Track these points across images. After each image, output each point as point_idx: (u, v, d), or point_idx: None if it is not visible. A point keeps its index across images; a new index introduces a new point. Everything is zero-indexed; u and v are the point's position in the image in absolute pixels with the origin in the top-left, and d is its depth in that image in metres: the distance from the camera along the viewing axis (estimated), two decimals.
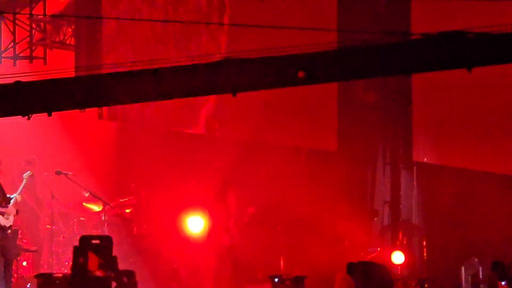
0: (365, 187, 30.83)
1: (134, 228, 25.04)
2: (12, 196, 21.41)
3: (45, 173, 23.32)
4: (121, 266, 23.84)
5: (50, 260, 22.91)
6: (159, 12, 26.34)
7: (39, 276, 19.74)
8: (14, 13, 24.82)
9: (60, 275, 19.86)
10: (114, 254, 23.89)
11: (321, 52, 14.87)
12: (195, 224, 24.87)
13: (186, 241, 24.89)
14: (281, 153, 29.90)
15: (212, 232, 25.09)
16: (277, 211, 27.91)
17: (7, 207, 21.06)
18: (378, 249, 28.46)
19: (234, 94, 10.22)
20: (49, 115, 14.96)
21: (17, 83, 13.83)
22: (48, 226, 23.59)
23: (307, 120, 30.17)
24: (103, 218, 23.62)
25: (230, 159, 27.72)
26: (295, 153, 30.66)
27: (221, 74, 11.57)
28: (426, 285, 26.43)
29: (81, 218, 24.06)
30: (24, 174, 22.29)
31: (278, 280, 23.04)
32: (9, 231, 21.15)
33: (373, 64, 11.00)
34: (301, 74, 13.73)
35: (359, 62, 10.81)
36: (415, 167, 33.29)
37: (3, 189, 21.44)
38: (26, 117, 14.37)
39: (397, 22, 30.10)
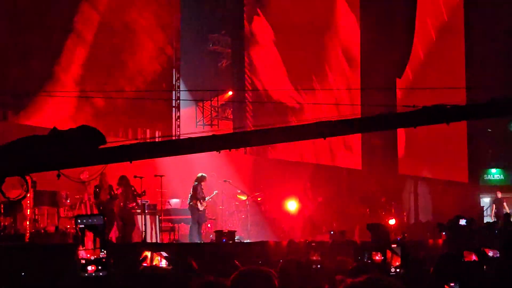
0: (376, 184, 30.73)
1: (262, 207, 24.94)
2: (207, 198, 21.64)
3: (219, 181, 23.26)
4: (255, 228, 24.00)
5: (221, 223, 22.84)
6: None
7: (216, 231, 19.69)
8: (203, 101, 24.80)
9: (226, 230, 19.75)
10: (252, 223, 24.44)
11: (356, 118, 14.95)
12: (292, 205, 24.85)
13: (287, 214, 24.86)
14: (332, 171, 29.99)
15: (300, 209, 25.12)
16: (329, 199, 27.94)
17: (204, 200, 21.19)
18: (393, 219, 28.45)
19: (324, 138, 10.09)
20: (229, 149, 15.05)
21: (213, 136, 13.73)
22: (220, 207, 23.51)
23: (345, 153, 30.30)
24: (247, 203, 23.51)
25: (308, 174, 27.86)
26: (339, 171, 30.73)
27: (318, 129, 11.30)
28: (406, 235, 26.24)
29: (236, 203, 23.91)
30: (214, 192, 22.61)
31: (332, 233, 22.96)
32: (202, 211, 21.29)
33: (394, 123, 10.78)
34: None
35: (385, 123, 10.59)
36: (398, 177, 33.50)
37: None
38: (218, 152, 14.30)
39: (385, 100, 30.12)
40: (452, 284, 6.26)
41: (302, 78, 28.62)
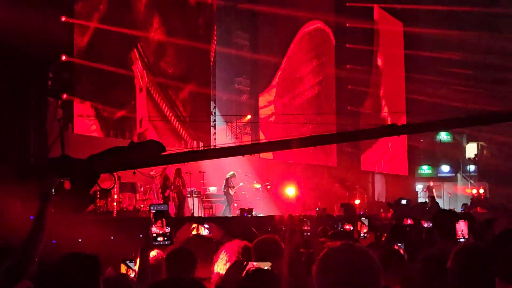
0: (347, 176, 30.41)
1: (271, 192, 24.71)
2: (235, 187, 21.72)
3: (242, 174, 23.14)
4: (266, 206, 23.62)
5: (243, 203, 22.31)
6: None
7: (240, 209, 19.40)
8: (231, 122, 24.69)
9: (247, 208, 19.46)
10: (264, 202, 24.19)
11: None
12: (291, 190, 24.44)
13: (287, 196, 24.56)
14: (317, 168, 29.65)
15: (296, 193, 24.72)
16: (315, 187, 27.55)
17: (234, 188, 21.22)
18: (358, 200, 28.23)
19: (314, 146, 9.99)
20: (249, 154, 14.72)
21: (239, 145, 13.53)
22: (243, 192, 23.27)
23: (325, 156, 29.94)
24: (260, 189, 23.45)
25: (301, 170, 27.53)
26: (322, 168, 30.38)
27: (310, 141, 11.14)
28: (366, 210, 26.02)
29: (253, 190, 23.75)
30: (241, 183, 22.74)
31: (317, 209, 22.80)
32: (232, 195, 21.30)
33: (363, 135, 10.63)
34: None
35: (358, 137, 10.48)
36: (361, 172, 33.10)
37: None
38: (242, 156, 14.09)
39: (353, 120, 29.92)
40: (399, 244, 6.20)
41: (298, 107, 28.58)
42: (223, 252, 5.29)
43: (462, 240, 6.41)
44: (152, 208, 4.42)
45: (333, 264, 2.59)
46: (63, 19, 17.42)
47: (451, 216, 6.92)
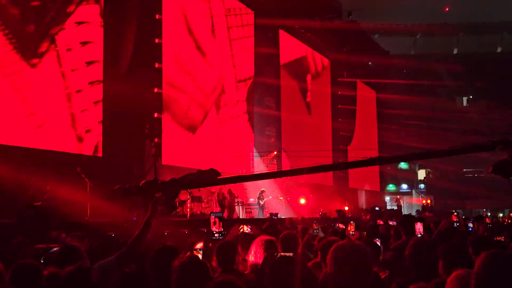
0: (343, 190, 29.71)
1: (290, 202, 24.31)
2: (265, 199, 21.40)
3: (273, 191, 22.86)
4: (287, 211, 22.76)
5: (272, 209, 21.69)
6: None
7: (270, 213, 19.12)
8: (263, 156, 24.31)
9: (274, 212, 19.18)
10: (285, 209, 23.47)
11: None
12: (303, 200, 24.19)
13: (301, 204, 24.17)
14: (319, 186, 28.89)
15: (306, 202, 24.33)
16: (319, 198, 26.65)
17: (263, 199, 21.01)
18: (347, 207, 27.51)
19: (324, 171, 9.63)
20: (277, 178, 14.34)
21: (271, 172, 13.34)
22: (271, 202, 22.85)
23: (325, 178, 29.42)
24: (283, 200, 23.14)
25: (310, 187, 26.80)
26: (322, 186, 29.64)
27: (319, 169, 10.79)
28: (352, 214, 25.43)
29: (279, 200, 23.36)
30: (270, 196, 22.15)
31: (320, 213, 22.36)
32: (262, 205, 21.12)
33: (354, 166, 10.32)
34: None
35: (350, 166, 10.03)
36: (349, 188, 32.37)
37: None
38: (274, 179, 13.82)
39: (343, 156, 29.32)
40: (377, 239, 6.02)
41: (307, 145, 28.29)
42: (253, 243, 5.22)
43: (419, 235, 6.25)
44: (212, 214, 4.36)
45: (341, 254, 2.55)
46: (155, 90, 17.91)
47: (412, 219, 6.78)
